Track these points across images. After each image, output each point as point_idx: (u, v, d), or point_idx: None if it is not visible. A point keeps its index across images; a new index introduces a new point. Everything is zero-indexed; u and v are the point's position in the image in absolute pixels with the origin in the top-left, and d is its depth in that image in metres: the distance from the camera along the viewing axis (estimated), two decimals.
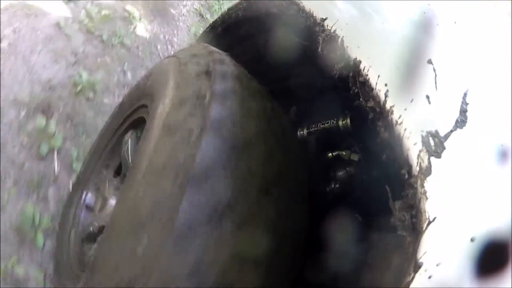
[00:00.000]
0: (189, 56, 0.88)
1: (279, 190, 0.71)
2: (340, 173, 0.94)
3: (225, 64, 0.80)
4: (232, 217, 0.61)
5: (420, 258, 0.48)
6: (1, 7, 1.79)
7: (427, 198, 0.50)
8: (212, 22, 1.21)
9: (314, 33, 0.72)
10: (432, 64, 0.58)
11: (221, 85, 0.73)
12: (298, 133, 1.03)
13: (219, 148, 0.64)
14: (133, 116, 1.12)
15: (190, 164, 0.61)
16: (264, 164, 0.70)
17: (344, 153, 0.95)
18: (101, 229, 1.05)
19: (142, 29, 2.30)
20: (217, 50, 0.88)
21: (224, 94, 0.71)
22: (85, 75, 1.81)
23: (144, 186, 0.66)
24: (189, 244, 0.58)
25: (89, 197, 1.20)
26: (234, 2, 1.08)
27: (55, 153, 1.53)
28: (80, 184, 1.26)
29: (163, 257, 0.57)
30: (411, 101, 0.56)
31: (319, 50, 0.70)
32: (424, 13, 0.66)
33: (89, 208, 1.19)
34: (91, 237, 1.09)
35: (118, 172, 1.20)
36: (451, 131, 0.53)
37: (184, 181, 0.60)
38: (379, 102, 0.58)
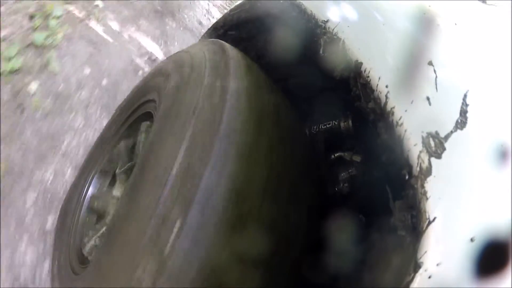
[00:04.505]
0: (200, 51, 0.86)
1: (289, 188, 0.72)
2: (343, 174, 0.94)
3: (238, 58, 0.80)
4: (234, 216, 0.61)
5: (420, 258, 0.48)
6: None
7: (427, 199, 0.50)
8: (214, 23, 1.21)
9: (315, 35, 0.73)
10: (433, 65, 0.58)
11: (235, 80, 0.72)
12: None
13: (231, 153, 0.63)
14: (138, 111, 1.10)
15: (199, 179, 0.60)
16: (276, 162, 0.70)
17: (346, 154, 0.96)
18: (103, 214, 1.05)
19: None
20: (228, 45, 0.87)
21: (239, 88, 0.71)
22: None
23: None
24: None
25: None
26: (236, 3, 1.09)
27: None
28: (86, 169, 1.25)
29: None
30: (412, 103, 0.56)
31: (321, 52, 0.71)
32: (425, 14, 0.66)
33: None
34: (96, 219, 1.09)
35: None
36: (451, 132, 0.53)
37: (188, 203, 0.59)
38: (380, 103, 0.58)
